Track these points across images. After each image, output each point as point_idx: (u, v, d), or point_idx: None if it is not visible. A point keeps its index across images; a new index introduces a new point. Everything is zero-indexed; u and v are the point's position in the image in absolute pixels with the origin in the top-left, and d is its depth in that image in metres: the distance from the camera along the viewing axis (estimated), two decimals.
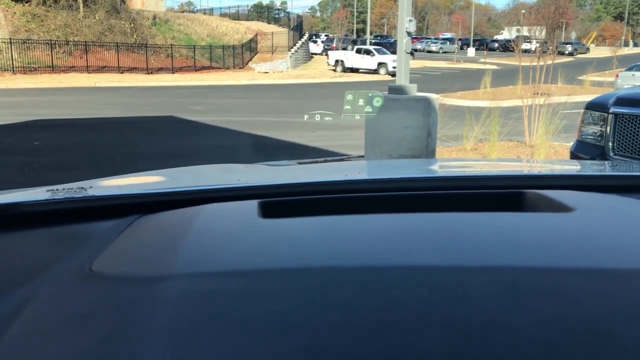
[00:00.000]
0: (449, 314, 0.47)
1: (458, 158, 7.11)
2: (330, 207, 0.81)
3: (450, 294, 0.50)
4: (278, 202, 0.81)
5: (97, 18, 27.31)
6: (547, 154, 7.22)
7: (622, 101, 4.22)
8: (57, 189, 0.93)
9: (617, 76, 18.83)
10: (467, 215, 0.72)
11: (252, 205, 0.77)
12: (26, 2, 25.48)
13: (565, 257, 0.58)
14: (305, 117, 2.78)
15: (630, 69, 18.72)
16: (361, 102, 2.61)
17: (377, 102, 2.59)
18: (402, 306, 0.48)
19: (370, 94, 2.62)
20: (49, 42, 24.28)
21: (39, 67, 23.67)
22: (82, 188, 0.91)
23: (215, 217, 0.75)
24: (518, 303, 0.48)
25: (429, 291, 0.50)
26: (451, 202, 0.84)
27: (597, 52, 48.76)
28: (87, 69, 24.93)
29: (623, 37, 60.23)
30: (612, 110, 4.20)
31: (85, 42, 25.66)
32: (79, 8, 26.98)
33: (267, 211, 0.74)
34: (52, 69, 23.95)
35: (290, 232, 0.67)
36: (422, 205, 0.82)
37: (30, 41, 24.05)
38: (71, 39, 25.59)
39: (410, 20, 5.55)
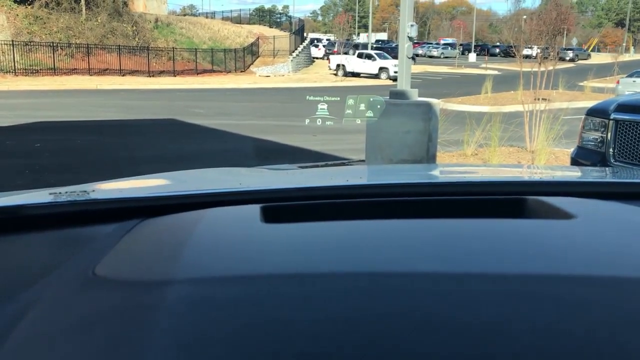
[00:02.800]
0: (451, 320, 0.47)
1: (459, 163, 7.11)
2: (332, 212, 0.81)
3: (452, 301, 0.50)
4: (280, 206, 0.81)
5: (99, 21, 27.39)
6: (547, 159, 7.22)
7: (623, 108, 4.22)
8: (60, 192, 0.93)
9: (618, 82, 18.85)
10: (468, 221, 0.72)
11: (255, 209, 0.77)
12: (29, 5, 25.55)
13: (566, 264, 0.58)
14: (307, 121, 2.77)
15: (631, 76, 18.74)
16: (362, 106, 2.61)
17: (378, 106, 2.59)
18: (404, 312, 0.48)
19: (371, 99, 2.62)
20: (51, 45, 24.34)
21: (40, 69, 23.71)
22: (85, 191, 0.91)
23: (217, 222, 0.75)
24: (519, 310, 0.48)
25: (430, 298, 0.50)
26: (453, 208, 0.84)
27: (598, 58, 48.81)
28: (89, 72, 24.99)
29: (624, 44, 60.30)
30: (613, 116, 4.20)
31: (88, 44, 25.73)
32: (82, 11, 27.05)
33: (269, 216, 0.74)
34: (54, 71, 24.00)
35: (292, 237, 0.67)
36: (424, 211, 0.83)
37: (32, 43, 24.11)
38: (73, 42, 25.66)
39: (412, 25, 5.56)
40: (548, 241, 0.65)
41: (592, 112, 4.52)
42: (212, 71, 29.85)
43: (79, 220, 0.83)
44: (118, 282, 0.57)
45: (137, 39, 28.57)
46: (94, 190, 0.95)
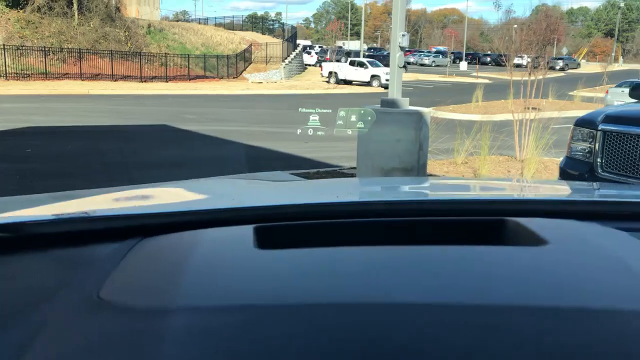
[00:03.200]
0: (428, 352, 0.49)
1: (447, 177, 7.16)
2: (323, 234, 0.83)
3: (430, 332, 0.52)
4: (274, 227, 0.83)
5: (91, 26, 27.31)
6: (537, 169, 7.29)
7: (610, 119, 4.28)
8: (61, 214, 0.93)
9: (607, 92, 19.05)
10: (451, 248, 0.74)
11: (248, 231, 0.79)
12: (21, 9, 25.45)
13: (540, 295, 0.60)
14: (298, 131, 2.80)
15: (619, 86, 18.94)
16: (353, 118, 2.65)
17: (369, 118, 2.63)
18: (390, 344, 0.50)
19: (362, 111, 2.66)
20: (43, 49, 24.24)
21: (32, 74, 23.59)
22: (85, 212, 0.92)
23: (214, 245, 0.77)
24: (493, 342, 0.50)
25: (422, 329, 0.52)
26: (437, 230, 0.87)
27: (588, 67, 49.32)
28: (81, 77, 24.89)
29: (613, 54, 60.93)
30: (600, 127, 4.26)
31: (80, 49, 25.64)
32: (74, 15, 26.97)
33: (264, 239, 0.76)
34: (46, 75, 23.88)
35: (287, 263, 0.69)
36: (413, 235, 0.85)
37: (24, 47, 24.00)
38: (65, 46, 25.56)
39: (403, 35, 5.61)
40: (526, 269, 0.67)
41: (580, 123, 4.58)
42: (204, 77, 29.83)
43: (77, 239, 0.83)
44: (118, 308, 0.58)
45: (129, 45, 28.51)
46: (94, 209, 0.95)
